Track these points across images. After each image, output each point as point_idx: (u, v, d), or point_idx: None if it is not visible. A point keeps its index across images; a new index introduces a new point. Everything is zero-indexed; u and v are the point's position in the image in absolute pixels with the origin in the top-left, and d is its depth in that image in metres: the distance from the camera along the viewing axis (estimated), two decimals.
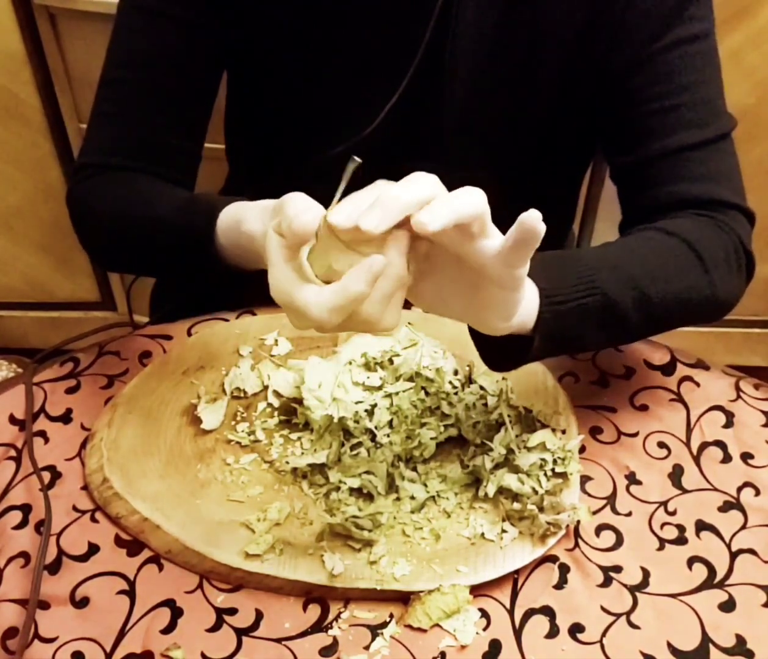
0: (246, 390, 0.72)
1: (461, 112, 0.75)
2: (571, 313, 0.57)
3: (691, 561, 0.61)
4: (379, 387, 0.71)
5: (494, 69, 0.73)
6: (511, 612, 0.58)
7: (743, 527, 0.63)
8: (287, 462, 0.67)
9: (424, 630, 0.56)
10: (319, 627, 0.57)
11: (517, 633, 0.56)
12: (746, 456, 0.69)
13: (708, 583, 0.60)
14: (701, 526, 0.63)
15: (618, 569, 0.60)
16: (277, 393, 0.72)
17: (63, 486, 0.65)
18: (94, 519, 0.63)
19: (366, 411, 0.69)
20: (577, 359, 0.76)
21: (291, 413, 0.70)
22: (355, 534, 0.60)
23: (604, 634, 0.56)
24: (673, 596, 0.59)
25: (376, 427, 0.68)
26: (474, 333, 0.57)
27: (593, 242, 1.57)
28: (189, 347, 0.77)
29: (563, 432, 0.68)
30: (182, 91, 0.75)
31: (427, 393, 0.71)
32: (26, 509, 0.64)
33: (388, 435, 0.67)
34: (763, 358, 1.75)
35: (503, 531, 0.61)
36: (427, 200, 0.45)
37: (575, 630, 0.57)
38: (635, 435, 0.70)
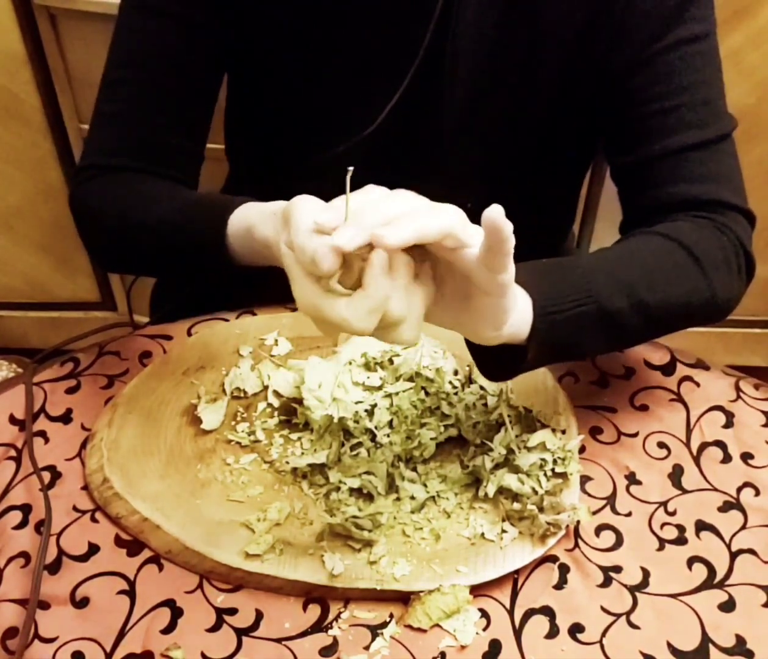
0: (246, 390, 0.73)
1: (461, 112, 0.75)
2: (566, 323, 0.57)
3: (691, 561, 0.61)
4: (379, 387, 0.71)
5: (494, 69, 0.73)
6: (511, 613, 0.58)
7: (743, 527, 0.63)
8: (287, 462, 0.67)
9: (424, 630, 0.56)
10: (319, 627, 0.57)
11: (517, 633, 0.56)
12: (746, 457, 0.69)
13: (708, 583, 0.60)
14: (701, 526, 0.63)
15: (618, 569, 0.60)
16: (277, 393, 0.72)
17: (63, 486, 0.65)
18: (94, 519, 0.63)
19: (366, 411, 0.69)
20: None
21: (291, 413, 0.70)
22: (355, 534, 0.60)
23: (604, 634, 0.56)
24: (673, 596, 0.59)
25: (376, 427, 0.68)
26: (470, 344, 0.57)
27: (593, 242, 1.57)
28: (189, 347, 0.77)
29: (563, 432, 0.68)
30: (183, 91, 0.75)
31: (427, 394, 0.71)
32: (26, 509, 0.64)
33: (388, 435, 0.67)
34: (763, 358, 1.75)
35: (503, 531, 0.61)
36: (396, 217, 0.45)
37: (575, 630, 0.57)
38: (635, 435, 0.70)
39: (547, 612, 0.58)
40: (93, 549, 0.61)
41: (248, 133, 0.87)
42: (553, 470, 0.64)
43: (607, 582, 0.59)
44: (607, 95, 0.73)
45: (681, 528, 0.63)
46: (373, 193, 0.48)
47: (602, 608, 0.58)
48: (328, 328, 0.47)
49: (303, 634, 0.56)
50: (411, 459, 0.66)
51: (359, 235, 0.44)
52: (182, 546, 0.60)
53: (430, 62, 0.71)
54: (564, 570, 0.60)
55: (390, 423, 0.68)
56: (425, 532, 0.61)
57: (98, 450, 0.66)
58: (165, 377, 0.73)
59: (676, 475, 0.67)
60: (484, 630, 0.57)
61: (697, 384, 0.74)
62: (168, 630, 0.56)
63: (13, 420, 0.70)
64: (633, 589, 0.59)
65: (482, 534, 0.61)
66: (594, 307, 0.58)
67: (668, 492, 0.66)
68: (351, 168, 0.46)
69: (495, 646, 0.56)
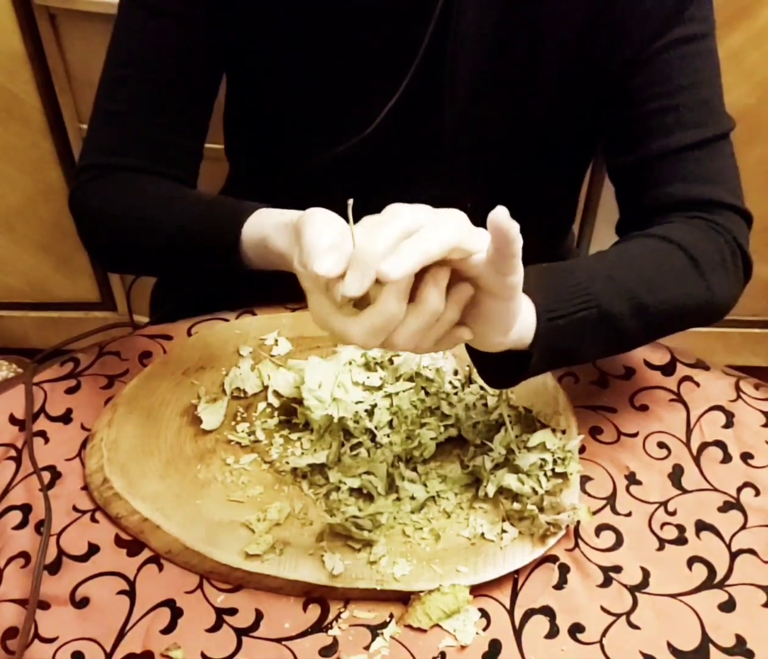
0: (246, 390, 0.73)
1: (461, 112, 0.75)
2: (568, 328, 0.57)
3: (691, 561, 0.61)
4: (379, 387, 0.71)
5: (494, 69, 0.73)
6: (511, 612, 0.58)
7: (743, 527, 0.63)
8: (287, 463, 0.67)
9: (424, 630, 0.56)
10: (319, 627, 0.57)
11: (517, 633, 0.56)
12: (746, 456, 0.69)
13: (708, 583, 0.60)
14: (701, 526, 0.63)
15: (618, 569, 0.60)
16: (277, 393, 0.72)
17: (63, 486, 0.65)
18: (94, 519, 0.63)
19: (366, 411, 0.69)
20: None
21: (291, 413, 0.70)
22: (355, 535, 0.60)
23: (604, 634, 0.56)
24: (673, 596, 0.59)
25: (376, 427, 0.68)
26: (472, 352, 0.57)
27: (593, 242, 1.57)
28: (189, 347, 0.77)
29: (563, 432, 0.68)
30: (183, 90, 0.75)
31: (427, 393, 0.71)
32: (26, 509, 0.64)
33: (388, 435, 0.67)
34: (763, 358, 1.75)
35: (503, 531, 0.61)
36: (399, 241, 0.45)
37: (575, 630, 0.57)
38: (635, 435, 0.70)
39: (547, 612, 0.58)
40: (93, 549, 0.61)
41: (248, 132, 0.87)
42: (553, 470, 0.64)
43: (607, 582, 0.59)
44: (607, 95, 0.73)
45: (681, 528, 0.63)
46: (371, 221, 0.48)
47: (602, 608, 0.58)
48: (339, 340, 0.49)
49: (303, 634, 0.56)
50: (411, 459, 0.66)
51: (366, 278, 0.44)
52: (182, 546, 0.60)
53: (430, 62, 0.71)
54: (564, 570, 0.60)
55: (390, 423, 0.68)
56: (425, 532, 0.61)
57: (98, 450, 0.66)
58: (165, 377, 0.73)
59: (676, 475, 0.67)
60: (484, 630, 0.57)
61: (697, 384, 0.74)
62: (168, 630, 0.56)
63: (13, 420, 0.70)
64: (633, 589, 0.59)
65: (482, 534, 0.61)
66: (595, 312, 0.58)
67: (668, 492, 0.66)
68: (351, 200, 0.47)
69: (495, 646, 0.56)
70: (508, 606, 0.58)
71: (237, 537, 0.60)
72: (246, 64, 0.78)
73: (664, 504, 0.65)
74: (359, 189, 0.83)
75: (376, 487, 0.63)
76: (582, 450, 0.68)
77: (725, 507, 0.65)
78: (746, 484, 0.66)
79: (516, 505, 0.62)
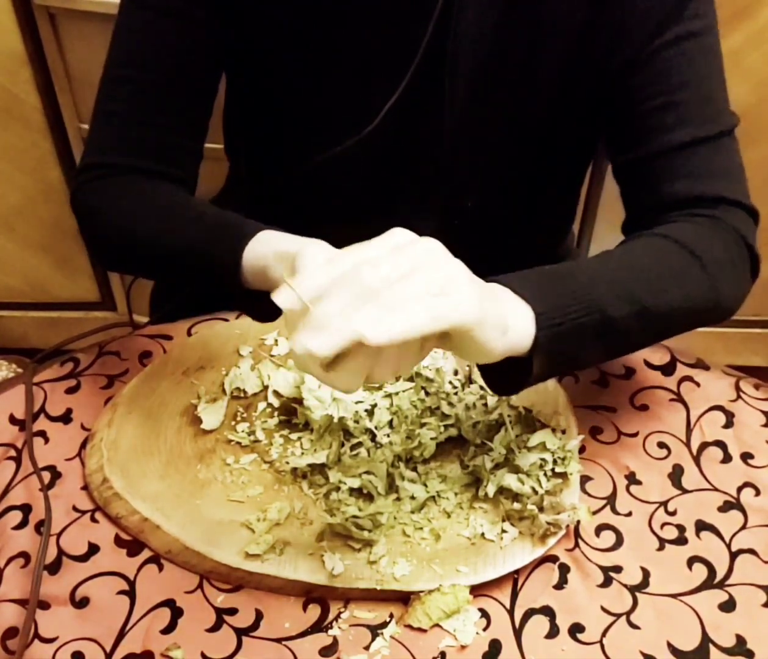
0: (246, 390, 0.73)
1: (461, 112, 0.75)
2: (570, 334, 0.56)
3: (691, 561, 0.61)
4: (379, 387, 0.71)
5: (494, 69, 0.73)
6: (511, 612, 0.58)
7: (743, 527, 0.63)
8: (287, 462, 0.67)
9: (424, 630, 0.56)
10: (319, 627, 0.57)
11: (517, 633, 0.56)
12: (746, 456, 0.69)
13: (708, 583, 0.60)
14: (701, 526, 0.63)
15: (618, 569, 0.60)
16: (277, 393, 0.72)
17: (63, 486, 0.65)
18: (94, 519, 0.63)
19: (366, 411, 0.69)
20: None
21: (291, 413, 0.70)
22: (355, 534, 0.60)
23: (604, 634, 0.56)
24: (673, 596, 0.59)
25: (376, 427, 0.68)
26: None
27: (593, 242, 1.57)
28: (189, 347, 0.77)
29: (563, 432, 0.68)
30: (184, 89, 0.75)
31: (427, 393, 0.71)
32: (26, 509, 0.64)
33: (388, 435, 0.67)
34: (763, 358, 1.75)
35: (503, 531, 0.61)
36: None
37: (575, 630, 0.57)
38: (635, 435, 0.70)
39: (547, 612, 0.58)
40: (93, 549, 0.61)
41: (248, 132, 0.87)
42: (553, 470, 0.64)
43: (607, 582, 0.59)
44: (608, 94, 0.72)
45: (681, 528, 0.63)
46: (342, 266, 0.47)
47: (602, 608, 0.58)
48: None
49: (303, 634, 0.56)
50: (411, 459, 0.66)
51: (343, 339, 0.44)
52: (182, 546, 0.60)
53: (430, 62, 0.71)
54: (564, 570, 0.60)
55: (390, 423, 0.68)
56: (425, 532, 0.61)
57: (98, 450, 0.66)
58: (165, 377, 0.73)
59: (676, 475, 0.67)
60: (484, 630, 0.57)
61: (697, 384, 0.74)
62: (168, 630, 0.56)
63: (13, 420, 0.70)
64: (633, 589, 0.59)
65: (482, 534, 0.61)
66: (597, 317, 0.58)
67: (668, 492, 0.66)
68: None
69: (495, 646, 0.56)
70: (508, 606, 0.58)
71: (237, 537, 0.60)
72: (246, 64, 0.78)
73: (664, 504, 0.65)
74: (359, 189, 0.84)
75: (376, 487, 0.63)
76: (582, 450, 0.68)
77: (725, 507, 0.65)
78: (746, 484, 0.66)
79: (516, 505, 0.62)
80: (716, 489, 0.66)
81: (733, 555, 0.61)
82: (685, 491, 0.66)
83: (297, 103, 0.78)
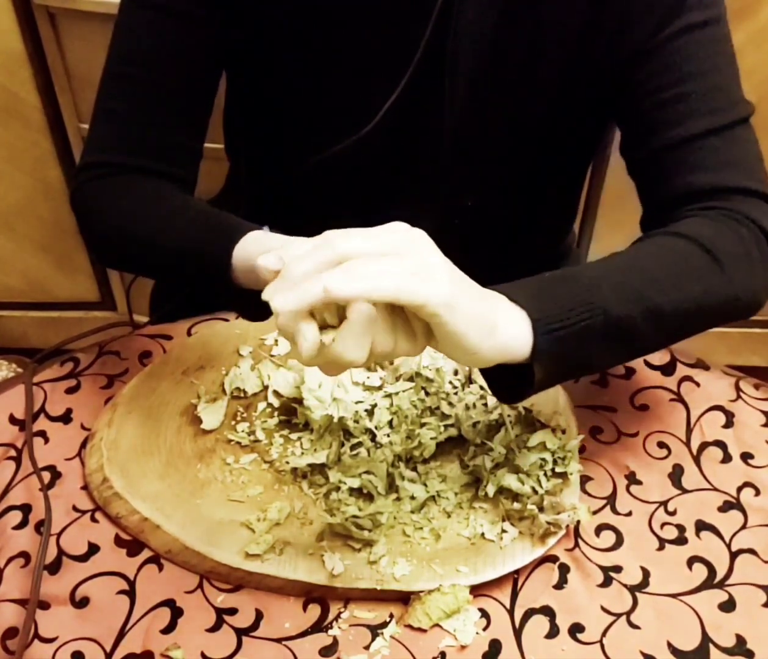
0: (246, 390, 0.72)
1: (461, 111, 0.74)
2: (571, 338, 0.55)
3: (691, 561, 0.61)
4: (379, 387, 0.71)
5: (495, 68, 0.72)
6: (511, 612, 0.58)
7: (743, 527, 0.63)
8: (287, 462, 0.67)
9: (424, 630, 0.56)
10: (319, 627, 0.57)
11: (517, 633, 0.56)
12: (746, 456, 0.69)
13: (708, 583, 0.60)
14: (701, 526, 0.63)
15: (618, 569, 0.60)
16: (277, 393, 0.72)
17: (63, 486, 0.65)
18: (94, 519, 0.63)
19: (366, 411, 0.69)
20: None
21: (291, 413, 0.70)
22: (355, 534, 0.60)
23: (604, 634, 0.56)
24: (673, 596, 0.59)
25: (376, 427, 0.68)
26: (482, 369, 0.57)
27: (593, 242, 1.57)
28: (189, 347, 0.77)
29: (563, 432, 0.68)
30: (184, 88, 0.74)
31: (427, 393, 0.71)
32: (26, 509, 0.64)
33: (388, 435, 0.67)
34: (763, 358, 1.75)
35: (503, 531, 0.61)
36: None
37: (575, 630, 0.57)
38: (635, 435, 0.70)
39: (547, 612, 0.58)
40: (93, 549, 0.61)
41: (248, 132, 0.87)
42: (553, 470, 0.64)
43: (607, 582, 0.59)
44: (611, 93, 0.72)
45: (681, 528, 0.63)
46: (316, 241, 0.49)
47: (602, 608, 0.58)
48: (328, 367, 0.49)
49: (303, 634, 0.56)
50: (411, 459, 0.66)
51: (310, 295, 0.45)
52: (182, 546, 0.60)
53: (429, 61, 0.71)
54: (564, 570, 0.60)
55: (390, 423, 0.68)
56: (425, 532, 0.61)
57: (98, 450, 0.66)
58: (165, 377, 0.73)
59: (676, 475, 0.67)
60: (484, 630, 0.57)
61: (697, 384, 0.74)
62: (168, 630, 0.56)
63: (13, 420, 0.70)
64: (633, 589, 0.59)
65: (482, 534, 0.61)
66: (601, 319, 0.56)
67: (668, 492, 0.66)
68: (266, 226, 0.49)
69: (495, 646, 0.56)
70: (508, 606, 0.58)
71: (237, 537, 0.60)
72: (246, 64, 0.78)
73: (664, 504, 0.65)
74: (359, 188, 0.83)
75: (376, 487, 0.63)
76: (582, 450, 0.68)
77: (725, 507, 0.65)
78: (746, 484, 0.66)
79: (516, 505, 0.62)
80: (716, 489, 0.66)
81: (733, 555, 0.61)
82: (685, 491, 0.66)
83: (297, 103, 0.78)
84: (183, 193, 0.74)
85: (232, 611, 0.58)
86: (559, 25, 0.70)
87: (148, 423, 0.69)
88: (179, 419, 0.70)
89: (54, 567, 0.60)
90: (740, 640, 0.56)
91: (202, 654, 0.55)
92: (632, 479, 0.67)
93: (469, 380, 0.72)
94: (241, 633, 0.56)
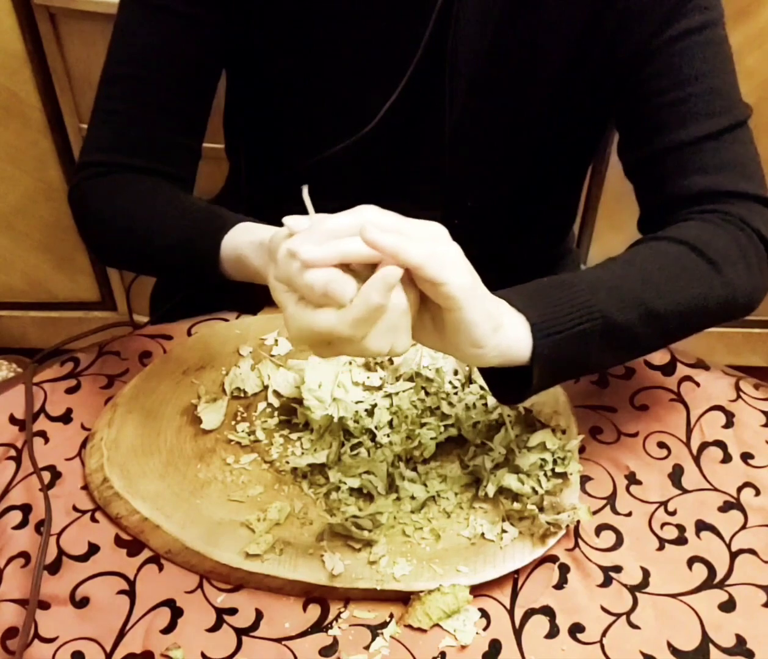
0: (246, 390, 0.73)
1: (461, 111, 0.74)
2: (569, 341, 0.56)
3: (691, 561, 0.61)
4: (379, 388, 0.71)
5: (495, 67, 0.72)
6: (511, 612, 0.58)
7: (743, 527, 0.63)
8: (287, 462, 0.67)
9: (424, 630, 0.56)
10: (319, 627, 0.57)
11: (517, 633, 0.56)
12: (746, 456, 0.69)
13: (708, 583, 0.60)
14: (701, 526, 0.63)
15: (618, 569, 0.60)
16: (277, 393, 0.72)
17: (63, 486, 0.65)
18: (94, 519, 0.63)
19: (366, 411, 0.69)
20: None
21: (291, 413, 0.70)
22: (355, 534, 0.60)
23: (604, 634, 0.56)
24: (673, 596, 0.59)
25: (376, 427, 0.68)
26: (482, 371, 0.58)
27: (593, 242, 1.57)
28: (189, 347, 0.77)
29: (563, 432, 0.68)
30: (183, 88, 0.74)
31: (427, 393, 0.71)
32: (26, 509, 0.64)
33: (388, 435, 0.67)
34: (763, 358, 1.75)
35: (503, 531, 0.61)
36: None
37: (575, 630, 0.57)
38: (635, 435, 0.70)
39: (547, 612, 0.58)
40: (93, 549, 0.61)
41: (248, 132, 0.87)
42: (553, 470, 0.64)
43: (607, 582, 0.59)
44: (612, 93, 0.72)
45: (681, 528, 0.63)
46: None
47: (602, 608, 0.58)
48: (324, 349, 0.50)
49: (303, 634, 0.56)
50: (411, 459, 0.66)
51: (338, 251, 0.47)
52: (182, 546, 0.60)
53: (429, 60, 0.71)
54: (564, 570, 0.60)
55: (390, 423, 0.68)
56: (425, 532, 0.61)
57: (98, 449, 0.66)
58: (165, 377, 0.73)
59: (676, 475, 0.67)
60: (484, 630, 0.57)
61: (697, 384, 0.74)
62: (168, 630, 0.56)
63: (13, 420, 0.70)
64: (633, 589, 0.59)
65: (482, 534, 0.61)
66: (599, 323, 0.57)
67: (668, 492, 0.66)
68: (306, 185, 0.50)
69: (495, 646, 0.56)
70: (508, 606, 0.58)
71: (237, 537, 0.60)
72: (246, 63, 0.78)
73: (664, 504, 0.65)
74: (359, 187, 0.83)
75: (376, 487, 0.63)
76: (582, 450, 0.68)
77: (725, 507, 0.65)
78: (746, 484, 0.66)
79: (516, 505, 0.62)
80: (716, 489, 0.66)
81: (733, 555, 0.61)
82: (685, 491, 0.66)
83: (297, 103, 0.78)
84: (179, 190, 0.75)
85: (232, 611, 0.58)
86: (559, 26, 0.70)
87: (148, 423, 0.69)
88: (179, 419, 0.70)
89: (54, 567, 0.60)
90: (740, 640, 0.56)
91: (202, 654, 0.55)
92: (632, 479, 0.67)
93: (469, 380, 0.72)
94: (241, 633, 0.56)
